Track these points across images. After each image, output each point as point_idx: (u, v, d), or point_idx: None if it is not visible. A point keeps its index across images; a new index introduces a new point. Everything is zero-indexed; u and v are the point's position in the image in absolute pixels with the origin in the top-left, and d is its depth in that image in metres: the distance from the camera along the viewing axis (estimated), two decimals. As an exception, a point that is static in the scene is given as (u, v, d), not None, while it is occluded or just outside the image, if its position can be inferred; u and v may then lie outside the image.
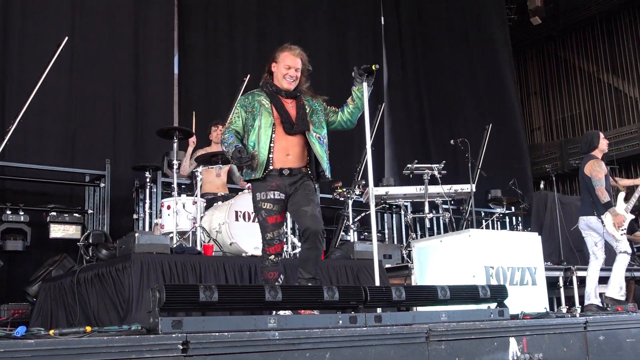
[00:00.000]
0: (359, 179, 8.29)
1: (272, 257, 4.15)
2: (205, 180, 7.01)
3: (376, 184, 8.36)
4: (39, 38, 8.08)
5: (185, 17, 9.58)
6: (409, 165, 7.69)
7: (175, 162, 6.40)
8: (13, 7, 8.06)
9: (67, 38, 6.68)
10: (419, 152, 10.94)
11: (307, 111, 4.30)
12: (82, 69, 8.45)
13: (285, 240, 4.11)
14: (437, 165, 7.66)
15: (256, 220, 4.29)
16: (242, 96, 4.36)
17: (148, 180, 7.28)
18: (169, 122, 8.75)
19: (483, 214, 10.62)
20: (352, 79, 4.30)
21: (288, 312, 3.68)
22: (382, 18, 11.79)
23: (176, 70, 9.40)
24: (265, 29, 10.09)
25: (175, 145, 6.45)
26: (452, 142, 8.14)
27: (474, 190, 7.99)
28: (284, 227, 4.12)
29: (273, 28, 10.16)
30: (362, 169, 8.45)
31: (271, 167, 4.14)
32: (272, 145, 4.15)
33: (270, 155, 4.15)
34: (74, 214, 7.25)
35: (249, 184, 5.97)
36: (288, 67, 4.31)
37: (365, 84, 4.24)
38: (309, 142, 4.23)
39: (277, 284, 3.93)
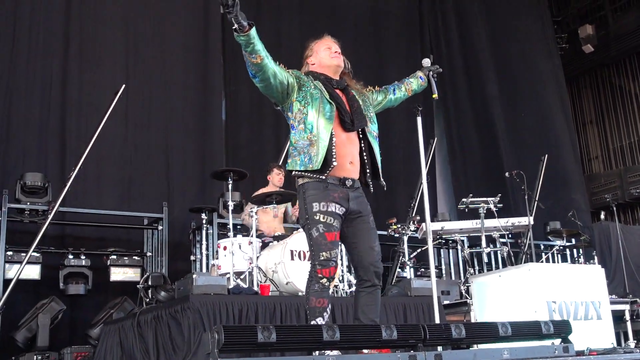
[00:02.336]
0: (413, 214, 8.23)
1: (323, 280, 3.50)
2: (261, 220, 7.06)
3: (431, 219, 8.28)
4: (96, 86, 8.36)
5: (230, 64, 9.77)
6: (464, 200, 7.62)
7: (230, 203, 6.47)
8: (72, 57, 8.35)
9: (124, 86, 6.88)
10: (473, 186, 10.82)
11: (361, 104, 3.80)
12: (137, 116, 8.70)
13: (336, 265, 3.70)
14: (493, 198, 7.57)
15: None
16: (295, 70, 3.78)
17: (204, 222, 7.35)
18: (220, 164, 8.89)
19: (542, 247, 10.41)
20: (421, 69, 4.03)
21: (336, 352, 3.27)
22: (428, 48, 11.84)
23: (223, 116, 9.61)
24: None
25: (230, 186, 6.53)
26: (507, 174, 8.05)
27: (531, 223, 7.86)
28: (338, 248, 3.60)
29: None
30: (417, 203, 8.36)
31: (331, 167, 3.56)
32: (333, 146, 3.59)
33: (333, 153, 3.57)
34: (133, 257, 7.38)
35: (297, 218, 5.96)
36: (329, 47, 3.86)
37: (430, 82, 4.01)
38: (369, 140, 3.74)
39: (325, 314, 3.52)
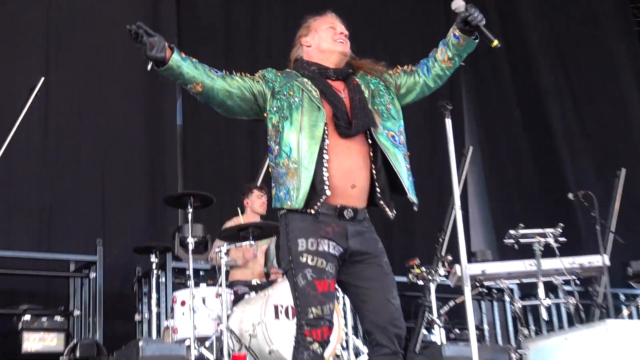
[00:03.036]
0: (442, 253, 8.19)
1: (314, 345, 3.47)
2: (232, 263, 7.04)
3: (468, 260, 8.23)
4: (4, 80, 8.35)
5: (188, 50, 9.79)
6: (512, 232, 7.56)
7: (190, 239, 6.43)
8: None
9: (43, 79, 6.85)
10: (522, 212, 10.81)
11: (366, 95, 3.77)
12: (61, 121, 8.69)
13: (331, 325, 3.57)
14: (553, 230, 7.51)
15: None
16: (270, 69, 3.84)
17: (154, 266, 7.28)
18: (173, 186, 8.88)
19: (623, 297, 10.36)
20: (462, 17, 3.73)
21: None
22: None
23: (179, 120, 9.62)
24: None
25: (189, 216, 6.49)
26: (570, 196, 7.99)
27: (607, 263, 7.79)
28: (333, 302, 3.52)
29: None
30: (447, 239, 8.34)
31: (323, 199, 3.54)
32: (325, 160, 3.59)
33: (325, 178, 3.57)
34: (55, 318, 7.29)
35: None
36: (332, 26, 3.88)
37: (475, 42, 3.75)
38: (379, 145, 3.67)
39: None
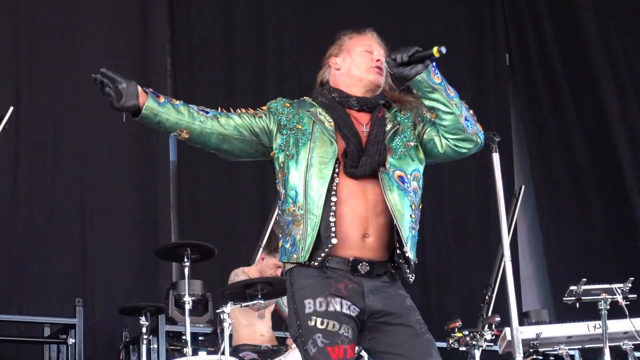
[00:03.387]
0: (488, 314, 8.11)
1: None
2: (237, 325, 7.00)
3: (520, 322, 8.15)
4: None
5: (183, 72, 9.81)
6: (572, 288, 7.48)
7: (187, 298, 6.43)
8: None
9: (12, 109, 6.83)
10: (586, 265, 10.71)
11: (388, 129, 3.76)
12: (33, 158, 8.68)
13: None
14: (622, 285, 7.42)
15: None
16: (280, 99, 3.88)
17: (144, 330, 7.19)
18: (166, 235, 8.86)
19: None
20: (396, 78, 3.70)
21: None
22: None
23: (173, 156, 9.62)
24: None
25: (186, 270, 6.49)
26: (642, 243, 7.95)
27: (687, 324, 7.70)
28: None
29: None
30: (494, 296, 8.25)
31: (328, 248, 3.54)
32: (332, 203, 3.61)
33: (332, 224, 3.58)
34: (27, 392, 7.25)
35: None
36: (369, 50, 3.85)
37: (425, 73, 3.58)
38: (381, 186, 3.63)
39: None
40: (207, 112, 3.71)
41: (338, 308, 3.48)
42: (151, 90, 3.63)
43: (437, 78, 3.61)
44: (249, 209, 9.63)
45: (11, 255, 8.33)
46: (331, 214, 3.54)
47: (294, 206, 3.58)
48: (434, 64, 3.62)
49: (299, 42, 10.22)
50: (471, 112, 3.73)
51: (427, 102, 3.64)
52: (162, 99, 3.64)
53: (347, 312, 3.49)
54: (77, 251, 8.60)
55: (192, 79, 9.86)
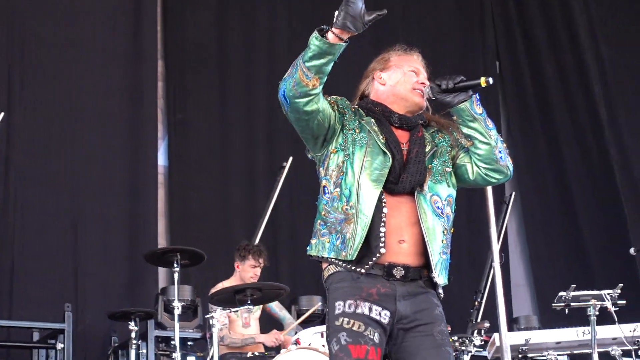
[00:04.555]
0: (477, 319, 8.14)
1: None
2: (231, 331, 7.00)
3: (509, 327, 8.19)
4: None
5: (176, 77, 9.84)
6: (562, 294, 7.51)
7: (176, 304, 6.43)
8: None
9: (2, 114, 6.85)
10: (574, 271, 10.76)
11: (427, 150, 3.83)
12: (24, 163, 8.70)
13: None
14: (611, 291, 7.46)
15: None
16: (344, 99, 3.90)
17: (134, 335, 7.21)
18: (152, 241, 8.85)
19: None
20: (438, 103, 3.80)
21: None
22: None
23: (161, 161, 9.65)
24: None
25: (176, 276, 6.52)
26: (632, 251, 7.97)
27: (675, 332, 7.75)
28: None
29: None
30: (483, 302, 8.29)
31: (377, 257, 3.60)
32: (384, 214, 3.66)
33: (381, 234, 3.62)
34: (16, 397, 7.26)
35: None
36: (415, 71, 3.93)
37: (468, 102, 3.72)
38: (417, 208, 3.69)
39: None
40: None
41: (367, 312, 3.53)
42: None
43: (479, 108, 3.72)
44: (240, 214, 9.65)
45: (1, 260, 8.33)
46: (382, 223, 3.60)
47: (347, 205, 3.63)
48: (477, 94, 3.73)
49: (291, 48, 10.26)
50: (505, 145, 3.84)
51: (465, 130, 3.76)
52: None
53: (377, 317, 3.55)
54: (67, 256, 8.61)
55: (184, 83, 9.88)
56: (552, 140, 11.76)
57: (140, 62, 9.51)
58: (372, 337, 3.51)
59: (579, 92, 11.92)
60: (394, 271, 3.58)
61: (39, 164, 8.77)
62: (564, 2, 12.13)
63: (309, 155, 3.86)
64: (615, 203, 11.57)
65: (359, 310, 3.53)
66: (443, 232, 3.70)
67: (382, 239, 3.57)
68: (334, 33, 3.47)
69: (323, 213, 3.70)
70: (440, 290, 3.70)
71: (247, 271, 7.33)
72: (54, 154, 8.86)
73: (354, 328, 3.51)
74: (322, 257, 3.66)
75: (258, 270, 7.36)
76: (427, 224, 3.65)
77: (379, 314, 3.55)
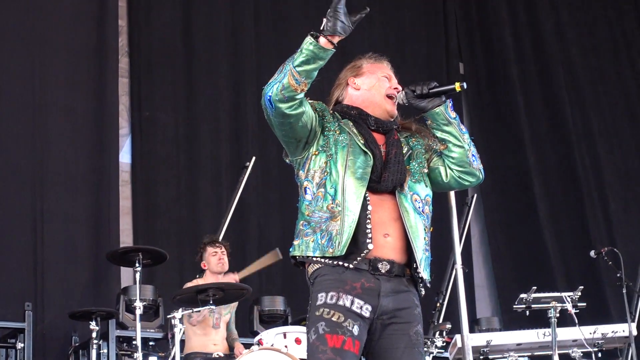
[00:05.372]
0: (439, 321, 8.18)
1: None
2: (190, 332, 7.01)
3: (470, 329, 8.24)
4: None
5: (143, 72, 9.83)
6: (523, 296, 7.58)
7: (138, 303, 6.44)
8: None
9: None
10: (536, 273, 10.81)
11: (404, 152, 3.93)
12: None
13: None
14: (571, 293, 7.53)
15: None
16: (322, 103, 4.00)
17: (95, 335, 7.20)
18: (115, 240, 8.84)
19: (653, 373, 10.37)
20: (409, 107, 3.93)
21: None
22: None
23: (126, 158, 9.65)
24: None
25: (137, 275, 6.51)
26: (592, 254, 8.04)
27: (634, 333, 7.82)
28: None
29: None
30: (445, 304, 8.31)
31: (364, 253, 3.67)
32: (369, 211, 3.73)
33: (367, 230, 3.71)
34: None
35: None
36: (388, 77, 4.04)
37: (443, 106, 3.85)
38: (399, 207, 3.77)
39: None
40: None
41: (348, 304, 3.59)
42: None
43: (453, 113, 3.87)
44: (206, 212, 9.65)
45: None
46: (367, 220, 3.68)
47: (332, 203, 3.70)
48: (450, 99, 3.86)
49: (257, 45, 10.27)
50: (475, 149, 3.97)
51: (439, 134, 3.89)
52: None
53: (358, 310, 3.61)
54: (28, 254, 8.55)
55: (150, 80, 9.86)
56: (513, 141, 11.84)
57: (102, 57, 9.48)
58: (350, 328, 3.57)
59: (541, 93, 12.03)
60: (380, 265, 3.66)
61: (1, 160, 8.70)
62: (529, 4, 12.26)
63: (287, 160, 3.94)
64: (577, 205, 11.67)
65: (340, 302, 3.59)
66: (424, 229, 3.79)
67: (369, 235, 3.66)
68: (326, 38, 3.58)
69: (306, 213, 3.76)
70: (422, 289, 3.79)
71: (211, 260, 7.34)
72: (15, 151, 8.80)
73: (333, 318, 3.57)
74: (307, 256, 3.71)
75: (222, 256, 7.35)
76: (410, 222, 3.75)
77: (361, 307, 3.61)
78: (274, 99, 3.65)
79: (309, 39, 3.59)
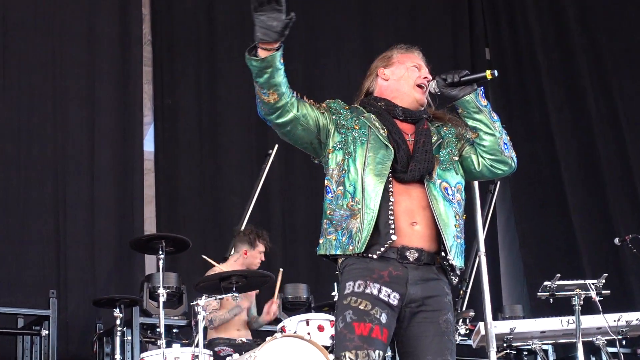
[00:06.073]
0: (463, 308, 8.19)
1: None
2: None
3: (494, 317, 8.24)
4: None
5: (165, 59, 9.85)
6: (547, 283, 7.54)
7: (161, 291, 6.45)
8: None
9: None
10: (559, 261, 10.80)
11: (433, 140, 3.95)
12: (5, 149, 8.74)
13: None
14: (595, 281, 7.49)
15: None
16: (338, 100, 4.06)
17: (118, 322, 7.19)
18: (138, 228, 8.89)
19: (679, 360, 10.33)
20: (441, 96, 3.99)
21: None
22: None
23: (149, 147, 9.70)
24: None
25: (161, 263, 6.54)
26: (617, 241, 8.01)
27: (659, 320, 7.81)
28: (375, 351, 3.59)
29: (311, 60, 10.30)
30: (468, 291, 8.34)
31: (388, 244, 3.70)
32: (391, 203, 3.77)
33: (390, 221, 3.74)
34: (0, 384, 7.29)
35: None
36: (417, 67, 4.06)
37: (474, 94, 3.89)
38: (427, 195, 3.80)
39: None
40: (292, 92, 3.82)
41: (375, 292, 3.65)
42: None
43: (484, 101, 3.91)
44: (229, 199, 9.66)
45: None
46: (390, 211, 3.72)
47: (352, 201, 3.76)
48: (481, 87, 3.91)
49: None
50: (509, 137, 4.01)
51: (470, 122, 3.94)
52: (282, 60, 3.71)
53: (385, 299, 3.66)
54: (52, 243, 8.63)
55: (173, 68, 9.88)
56: (541, 128, 11.77)
57: (126, 46, 9.52)
58: (378, 316, 3.63)
59: (569, 78, 11.94)
60: (407, 254, 3.70)
61: (24, 149, 8.78)
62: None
63: (316, 162, 4.01)
64: (602, 193, 11.60)
65: (367, 290, 3.64)
66: (455, 217, 3.82)
67: (392, 225, 3.70)
68: (261, 48, 3.66)
69: (328, 212, 3.82)
70: (453, 277, 3.82)
71: (256, 257, 7.40)
72: (37, 139, 8.87)
73: (361, 307, 3.62)
74: (330, 254, 3.78)
75: (263, 256, 7.46)
76: (439, 210, 3.78)
77: (388, 295, 3.67)
78: (262, 115, 3.81)
79: (246, 56, 3.69)
